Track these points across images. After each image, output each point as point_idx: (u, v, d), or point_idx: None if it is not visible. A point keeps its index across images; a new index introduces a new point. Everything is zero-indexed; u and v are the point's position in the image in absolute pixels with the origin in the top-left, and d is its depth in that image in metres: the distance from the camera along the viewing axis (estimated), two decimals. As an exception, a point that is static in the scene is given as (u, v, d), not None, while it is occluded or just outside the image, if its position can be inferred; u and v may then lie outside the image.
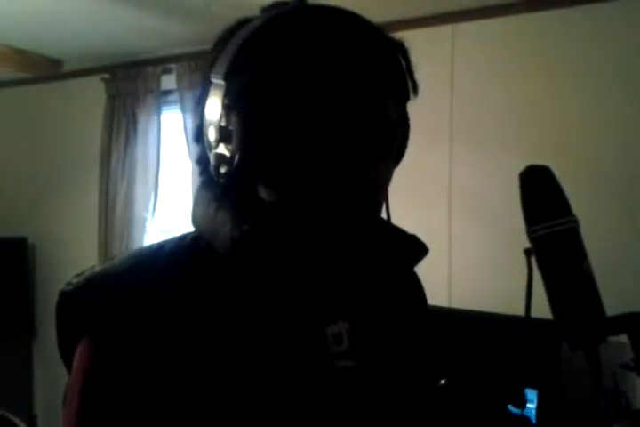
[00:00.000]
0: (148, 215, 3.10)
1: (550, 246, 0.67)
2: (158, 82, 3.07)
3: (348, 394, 0.66)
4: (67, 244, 3.52)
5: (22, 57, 2.72)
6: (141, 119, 3.12)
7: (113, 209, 3.17)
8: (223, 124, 0.64)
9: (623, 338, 0.71)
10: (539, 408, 1.77)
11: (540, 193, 0.69)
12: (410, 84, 0.68)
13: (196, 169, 0.74)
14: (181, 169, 3.10)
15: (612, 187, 2.11)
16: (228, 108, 0.64)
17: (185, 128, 2.92)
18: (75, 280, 0.64)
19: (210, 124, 0.66)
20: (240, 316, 0.63)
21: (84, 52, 3.06)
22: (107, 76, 3.23)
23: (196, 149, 0.74)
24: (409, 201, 2.03)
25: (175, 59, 3.00)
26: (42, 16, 2.55)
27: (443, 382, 0.70)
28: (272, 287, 0.65)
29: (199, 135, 0.71)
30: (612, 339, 0.70)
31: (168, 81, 3.04)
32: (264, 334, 0.63)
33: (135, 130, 3.14)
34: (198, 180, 0.74)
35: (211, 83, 0.67)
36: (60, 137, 3.54)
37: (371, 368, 0.68)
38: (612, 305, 0.71)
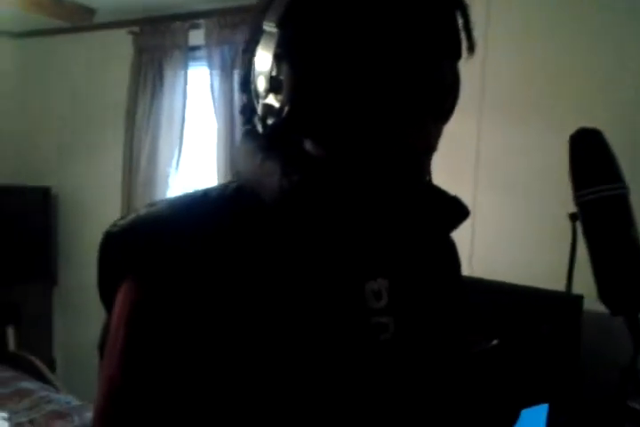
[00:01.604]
0: (172, 171, 3.10)
1: (599, 211, 0.66)
2: (186, 37, 3.03)
3: (385, 350, 0.66)
4: (90, 195, 3.55)
5: (56, 3, 2.69)
6: (168, 75, 3.10)
7: (137, 163, 3.17)
8: (274, 73, 0.63)
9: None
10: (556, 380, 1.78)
11: (592, 156, 0.68)
12: (466, 42, 0.66)
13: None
14: (206, 126, 3.09)
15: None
16: (279, 58, 0.63)
17: (211, 85, 2.90)
18: (120, 222, 0.65)
19: (259, 74, 0.65)
20: (282, 266, 0.64)
21: (117, 2, 3.02)
22: (136, 29, 3.20)
23: (241, 98, 0.73)
24: (433, 170, 1.99)
25: (204, 14, 2.95)
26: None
27: (495, 342, 0.70)
28: (316, 240, 0.65)
29: (245, 84, 0.70)
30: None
31: (196, 37, 3.00)
32: (304, 285, 0.64)
33: (162, 85, 3.11)
34: (241, 130, 0.73)
35: (262, 31, 0.65)
36: (88, 89, 3.53)
37: (408, 326, 0.69)
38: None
